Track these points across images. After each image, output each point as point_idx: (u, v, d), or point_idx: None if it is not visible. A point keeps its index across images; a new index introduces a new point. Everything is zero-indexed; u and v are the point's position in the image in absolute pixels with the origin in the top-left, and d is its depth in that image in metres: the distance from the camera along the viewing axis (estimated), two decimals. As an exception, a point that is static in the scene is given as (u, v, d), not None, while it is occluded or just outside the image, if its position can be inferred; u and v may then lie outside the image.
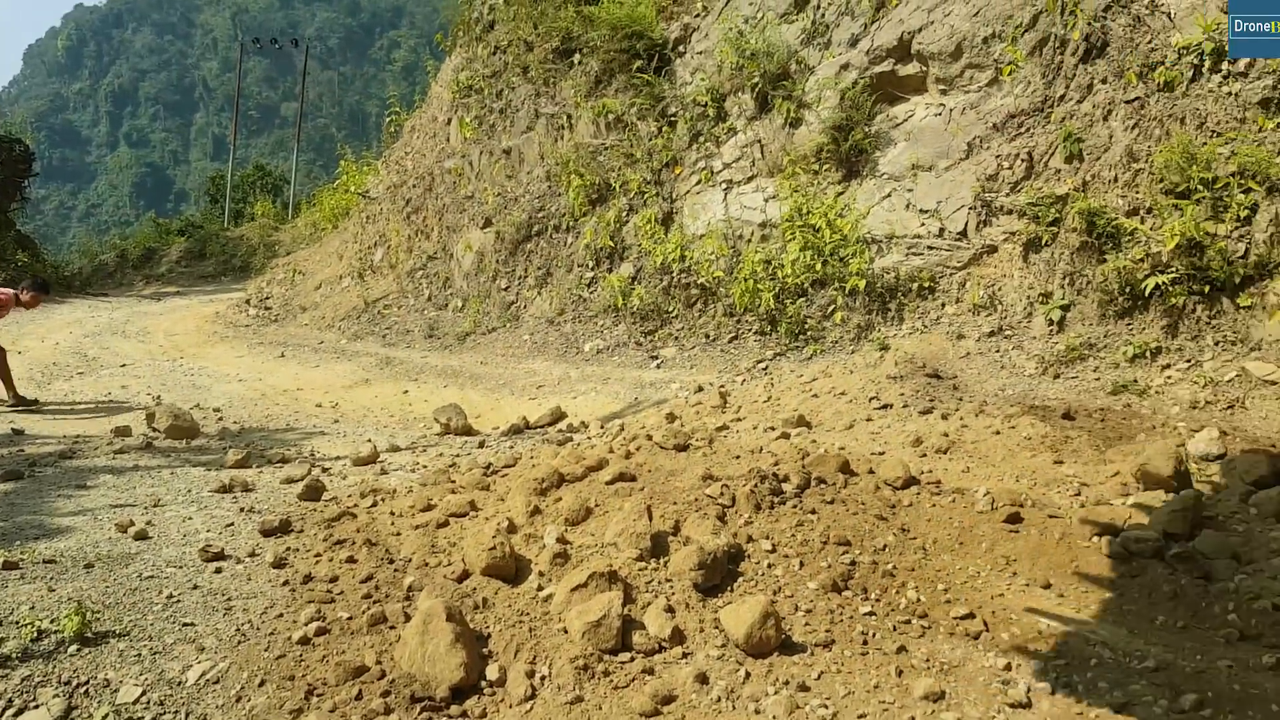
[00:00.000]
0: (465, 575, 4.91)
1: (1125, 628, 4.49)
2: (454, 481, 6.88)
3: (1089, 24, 9.08)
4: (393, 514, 6.13)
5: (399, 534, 5.75)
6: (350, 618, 4.55)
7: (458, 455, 8.55)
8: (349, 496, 6.82)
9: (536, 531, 5.37)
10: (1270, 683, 3.92)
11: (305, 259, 24.58)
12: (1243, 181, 7.80)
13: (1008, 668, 4.00)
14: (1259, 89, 8.02)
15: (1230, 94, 8.21)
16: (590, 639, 4.13)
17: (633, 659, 4.08)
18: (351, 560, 5.28)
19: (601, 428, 9.48)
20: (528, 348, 13.67)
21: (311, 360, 15.22)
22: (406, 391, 12.61)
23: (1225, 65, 8.24)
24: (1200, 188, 7.99)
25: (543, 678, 4.00)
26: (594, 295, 13.67)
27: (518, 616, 4.47)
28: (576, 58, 15.04)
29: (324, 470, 7.96)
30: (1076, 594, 4.82)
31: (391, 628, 4.46)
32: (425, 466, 8.09)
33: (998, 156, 9.59)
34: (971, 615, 4.48)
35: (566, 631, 4.27)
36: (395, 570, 5.16)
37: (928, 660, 4.06)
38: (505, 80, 17.00)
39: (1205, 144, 8.12)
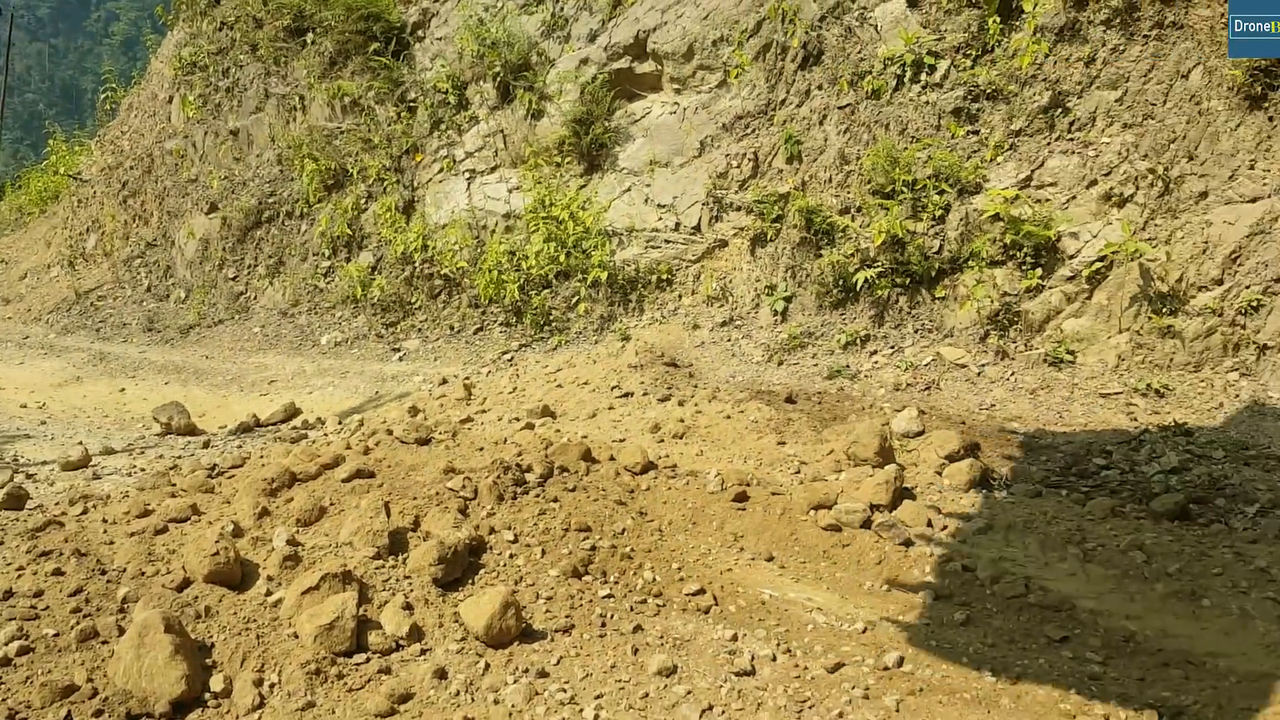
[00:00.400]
0: (186, 583, 4.60)
1: (838, 593, 4.89)
2: (174, 485, 6.42)
3: (807, 32, 9.74)
4: (105, 521, 5.63)
5: (112, 543, 5.29)
6: (57, 634, 4.15)
7: (180, 457, 7.98)
8: (56, 504, 6.21)
9: (265, 534, 5.12)
10: (961, 638, 4.40)
11: (8, 246, 22.09)
12: (937, 183, 8.65)
13: (734, 638, 4.25)
14: (952, 99, 8.92)
15: (928, 103, 9.07)
16: (323, 642, 3.99)
17: (369, 659, 3.98)
18: (58, 572, 4.80)
19: (340, 423, 9.16)
20: (259, 341, 12.96)
21: (15, 356, 13.69)
22: (123, 390, 11.61)
23: (923, 76, 9.10)
24: (902, 189, 8.78)
25: (272, 685, 3.83)
26: (331, 285, 13.15)
27: (244, 624, 4.24)
28: (310, 37, 14.36)
29: (28, 476, 7.23)
30: (796, 565, 5.19)
31: (104, 642, 4.10)
32: (143, 470, 7.50)
33: (727, 155, 10.09)
34: (702, 591, 4.72)
35: (298, 636, 4.10)
36: (108, 581, 4.75)
37: (662, 637, 4.23)
38: (232, 58, 15.97)
39: (906, 149, 8.94)
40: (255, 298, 13.89)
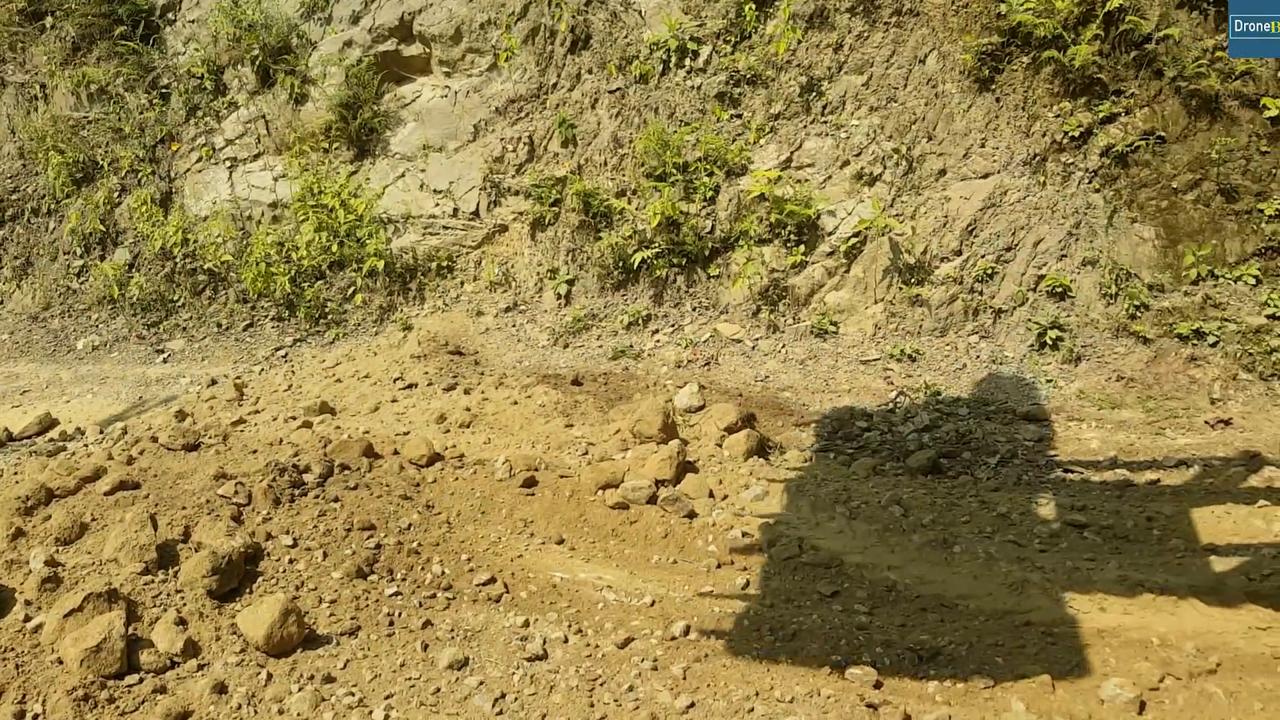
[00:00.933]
0: (-79, 626, 4.17)
1: (627, 570, 5.03)
2: (-98, 518, 5.77)
3: (574, 16, 9.81)
4: None
5: None
6: None
7: (-93, 486, 7.17)
8: None
9: (21, 556, 4.71)
10: (742, 601, 4.64)
11: None
12: (706, 166, 8.96)
13: (526, 624, 4.30)
14: (715, 84, 9.25)
15: (693, 87, 9.37)
16: (90, 666, 3.74)
17: (142, 680, 3.76)
18: None
19: (101, 433, 8.49)
20: (8, 349, 11.78)
21: None
22: None
23: (688, 61, 9.38)
24: (674, 171, 9.04)
25: (35, 716, 3.55)
26: (85, 286, 12.11)
27: (1, 654, 3.91)
28: (49, 21, 13.07)
29: None
30: (586, 545, 5.29)
31: None
32: None
33: (502, 140, 10.04)
34: (493, 580, 4.74)
35: (62, 662, 3.82)
36: None
37: (452, 630, 4.23)
38: (-50, 39, 14.31)
39: (676, 132, 9.20)
40: (2, 302, 12.61)
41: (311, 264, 10.68)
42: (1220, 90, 7.36)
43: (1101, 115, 7.73)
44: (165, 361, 10.69)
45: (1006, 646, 4.08)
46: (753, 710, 3.64)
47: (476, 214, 10.19)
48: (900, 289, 8.19)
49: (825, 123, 8.87)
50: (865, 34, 8.82)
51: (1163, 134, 7.50)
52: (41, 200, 12.76)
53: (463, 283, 10.29)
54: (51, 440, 8.52)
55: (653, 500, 5.65)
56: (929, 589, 4.64)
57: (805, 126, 8.94)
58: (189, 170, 11.90)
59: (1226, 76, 7.33)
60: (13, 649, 3.96)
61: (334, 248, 10.61)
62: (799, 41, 8.96)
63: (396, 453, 6.30)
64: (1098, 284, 7.51)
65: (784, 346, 8.36)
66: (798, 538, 5.20)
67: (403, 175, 10.70)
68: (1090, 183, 7.76)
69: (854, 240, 8.40)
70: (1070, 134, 7.82)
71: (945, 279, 8.09)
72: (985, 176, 8.21)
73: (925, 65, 8.61)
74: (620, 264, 9.24)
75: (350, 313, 10.49)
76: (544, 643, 4.11)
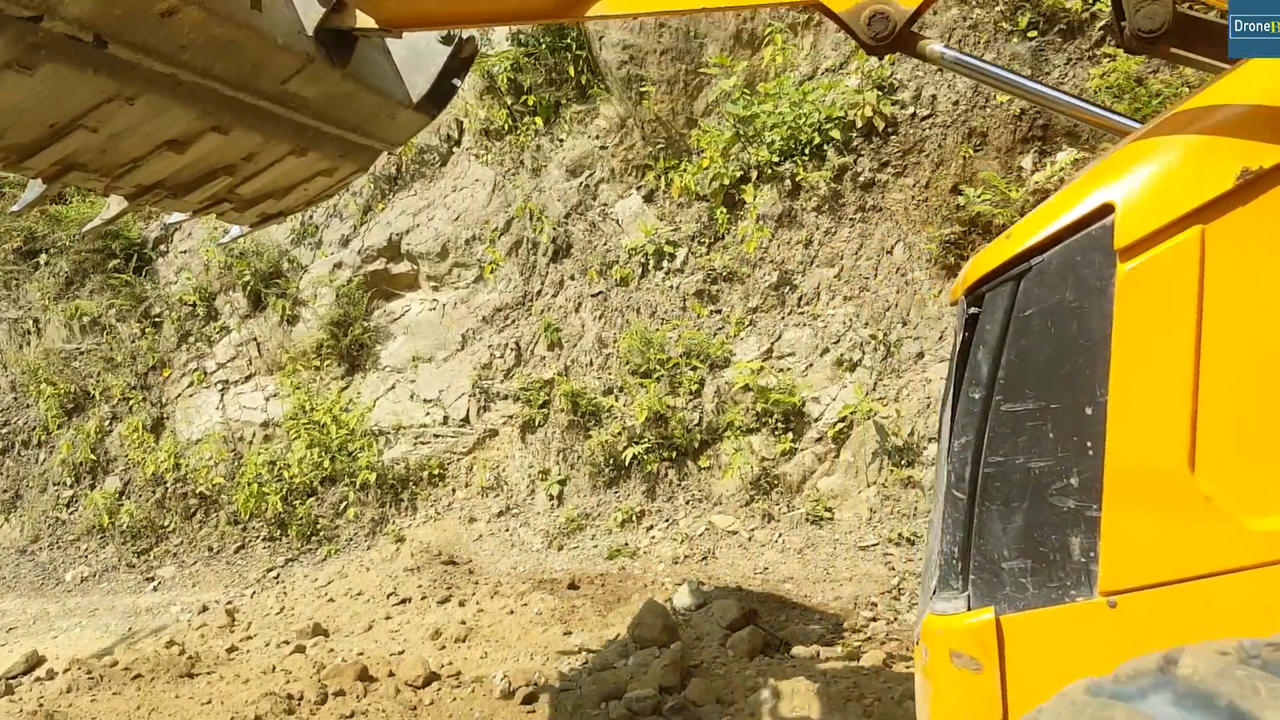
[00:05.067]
0: None
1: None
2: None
3: (554, 228, 10.26)
4: None
5: None
6: None
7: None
8: None
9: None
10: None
11: None
12: (690, 360, 9.17)
13: None
14: (693, 283, 9.59)
15: (672, 287, 9.71)
16: None
17: None
18: None
19: (89, 673, 8.22)
20: (-10, 586, 11.57)
21: None
22: None
23: (665, 263, 9.75)
24: (659, 367, 9.24)
25: None
26: (75, 516, 12.02)
27: None
28: (44, 258, 13.59)
29: None
30: (591, 764, 5.08)
31: None
32: None
33: (490, 347, 10.29)
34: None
35: None
36: None
37: None
38: (-49, 281, 14.80)
39: (658, 330, 9.47)
40: (-17, 537, 12.47)
41: (303, 481, 10.69)
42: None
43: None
44: (156, 589, 10.49)
45: None
46: None
47: (467, 420, 10.31)
48: (891, 471, 8.23)
49: (802, 313, 9.15)
50: (833, 229, 9.24)
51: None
52: (32, 432, 12.85)
53: (455, 490, 10.29)
54: (38, 679, 8.24)
55: (657, 710, 5.47)
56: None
57: (783, 318, 9.21)
58: (180, 395, 12.07)
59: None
60: None
61: (326, 463, 10.65)
62: (770, 239, 9.36)
63: (392, 674, 6.12)
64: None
65: (780, 536, 8.30)
66: (809, 743, 5.01)
67: (393, 387, 10.88)
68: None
69: (840, 425, 8.51)
70: (1039, 312, 8.08)
71: (933, 459, 8.14)
72: (962, 356, 8.41)
73: (893, 255, 8.98)
74: (611, 461, 9.28)
75: (342, 528, 10.41)
76: None
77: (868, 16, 2.68)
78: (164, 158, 3.65)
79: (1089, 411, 1.92)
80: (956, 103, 8.67)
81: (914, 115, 8.83)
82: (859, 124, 8.87)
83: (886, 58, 8.90)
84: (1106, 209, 1.92)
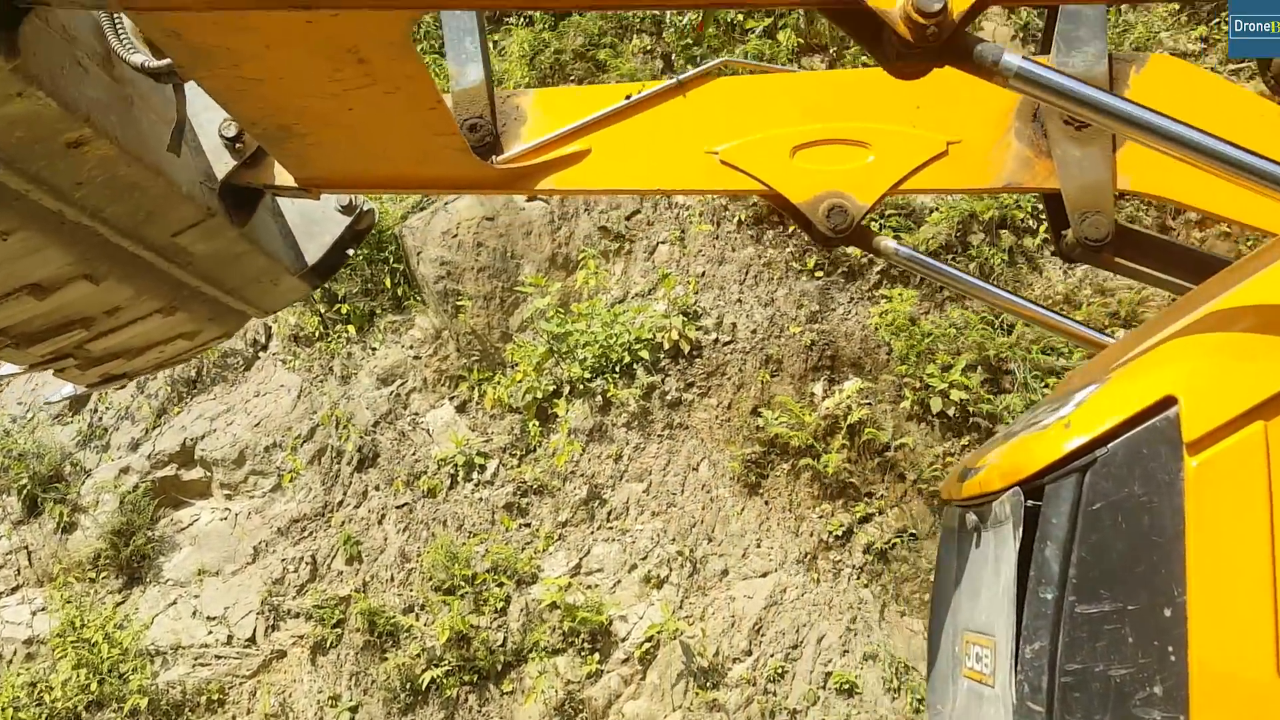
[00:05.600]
0: None
1: None
2: None
3: (361, 437, 10.01)
4: None
5: None
6: None
7: None
8: None
9: None
10: None
11: None
12: (496, 576, 8.93)
13: None
14: (503, 495, 9.48)
15: (481, 499, 9.55)
16: None
17: None
18: None
19: None
20: None
21: None
22: None
23: (475, 475, 9.63)
24: (463, 583, 8.94)
25: None
26: None
27: None
28: None
29: None
30: None
31: None
32: None
33: (284, 560, 9.72)
34: None
35: None
36: None
37: None
38: None
39: (465, 544, 9.22)
40: None
41: (66, 706, 9.56)
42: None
43: (859, 515, 8.38)
44: None
45: None
46: None
47: (253, 640, 9.57)
48: (697, 694, 8.10)
49: (611, 528, 9.14)
50: (642, 445, 9.42)
51: (914, 531, 8.16)
52: None
53: (235, 717, 9.41)
54: None
55: None
56: None
57: (593, 533, 9.17)
58: (-73, 610, 10.74)
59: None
60: None
61: (94, 686, 9.59)
62: (581, 453, 9.43)
63: None
64: (881, 679, 7.70)
65: (584, 767, 7.93)
66: None
67: (174, 603, 10.05)
68: (859, 578, 8.22)
69: (647, 645, 8.37)
70: (834, 533, 8.38)
71: (739, 681, 8.09)
72: (764, 575, 8.55)
73: (699, 472, 9.20)
74: (408, 685, 8.75)
75: (98, 764, 9.27)
76: None
77: (826, 209, 2.77)
78: (21, 303, 3.17)
79: (1168, 613, 1.81)
80: (754, 331, 9.21)
81: (716, 340, 9.31)
82: (666, 346, 9.26)
83: (690, 285, 9.46)
84: (1169, 401, 1.87)
